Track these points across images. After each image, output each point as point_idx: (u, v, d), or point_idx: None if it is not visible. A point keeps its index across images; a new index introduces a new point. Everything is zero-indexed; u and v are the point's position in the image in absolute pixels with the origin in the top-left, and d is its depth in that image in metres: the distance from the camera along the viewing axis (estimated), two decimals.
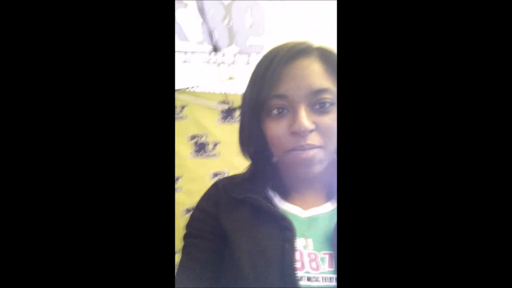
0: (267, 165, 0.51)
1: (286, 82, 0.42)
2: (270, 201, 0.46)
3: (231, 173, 0.55)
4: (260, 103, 0.43)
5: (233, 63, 1.42)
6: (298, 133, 0.41)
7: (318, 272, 0.40)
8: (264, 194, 0.47)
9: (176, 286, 0.43)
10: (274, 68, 0.42)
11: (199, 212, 0.49)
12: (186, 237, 0.48)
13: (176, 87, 1.65)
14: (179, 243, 0.48)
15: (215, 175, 1.65)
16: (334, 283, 0.39)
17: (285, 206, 0.46)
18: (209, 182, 0.53)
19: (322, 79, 0.42)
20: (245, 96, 0.47)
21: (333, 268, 0.40)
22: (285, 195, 0.48)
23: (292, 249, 0.40)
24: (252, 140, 0.48)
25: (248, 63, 1.40)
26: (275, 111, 0.42)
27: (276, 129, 0.42)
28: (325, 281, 0.39)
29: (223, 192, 0.49)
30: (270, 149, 0.46)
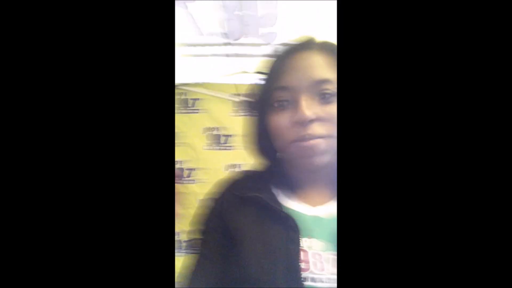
0: (271, 161, 0.51)
1: (287, 74, 0.43)
2: (274, 199, 0.45)
3: (245, 166, 0.56)
4: (264, 97, 0.44)
5: (245, 54, 1.41)
6: (300, 123, 0.41)
7: (322, 272, 0.39)
8: (268, 191, 0.46)
9: (177, 281, 0.44)
10: (276, 61, 0.44)
11: (204, 209, 0.50)
12: (191, 233, 0.49)
13: (189, 80, 1.66)
14: (192, 235, 0.50)
15: (229, 167, 1.67)
16: None
17: (289, 204, 0.46)
18: (223, 174, 0.54)
19: (323, 70, 0.42)
20: (251, 93, 0.48)
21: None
22: (290, 193, 0.47)
23: (296, 250, 0.40)
24: (257, 136, 0.49)
25: (260, 54, 1.39)
26: (277, 104, 0.44)
27: (279, 121, 0.43)
28: (330, 282, 0.39)
29: (227, 190, 0.50)
30: (274, 145, 0.46)
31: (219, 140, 1.69)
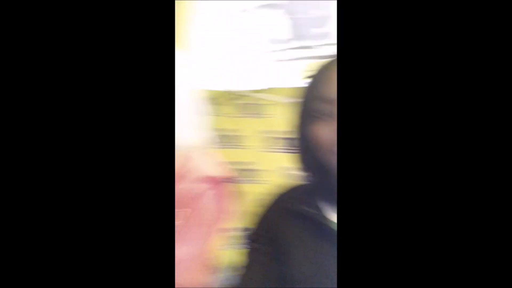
0: (317, 173, 0.51)
1: (327, 84, 0.44)
2: (320, 212, 0.46)
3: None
4: (306, 108, 0.47)
5: (317, 57, 1.40)
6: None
7: None
8: (314, 204, 0.47)
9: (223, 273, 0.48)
10: (317, 73, 0.47)
11: (256, 218, 0.53)
12: (241, 231, 0.54)
13: (252, 86, 1.73)
14: (242, 234, 0.54)
15: (289, 169, 1.68)
16: None
17: (335, 218, 0.46)
18: (278, 177, 0.56)
19: None
20: (297, 103, 0.51)
21: None
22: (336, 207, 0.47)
23: None
24: (302, 146, 0.51)
25: (331, 56, 1.36)
26: (318, 114, 0.45)
27: (321, 131, 0.44)
28: None
29: (275, 202, 0.52)
30: (317, 155, 0.47)
31: (277, 143, 1.73)
